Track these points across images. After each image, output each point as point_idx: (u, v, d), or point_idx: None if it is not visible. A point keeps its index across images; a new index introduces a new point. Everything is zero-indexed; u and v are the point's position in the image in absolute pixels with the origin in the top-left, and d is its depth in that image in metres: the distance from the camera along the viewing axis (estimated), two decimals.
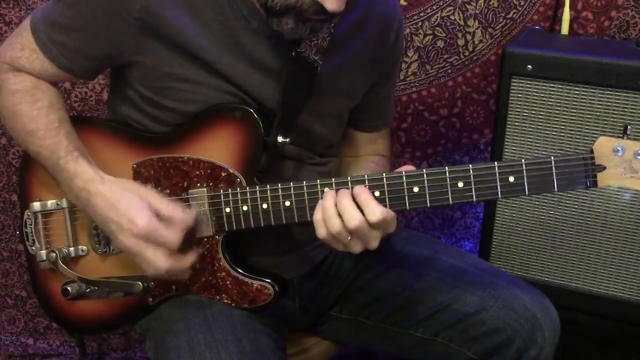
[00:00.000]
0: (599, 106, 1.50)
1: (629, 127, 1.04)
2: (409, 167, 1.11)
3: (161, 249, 1.14)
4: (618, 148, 1.03)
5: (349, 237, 1.09)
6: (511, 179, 1.06)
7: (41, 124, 1.23)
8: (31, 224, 1.32)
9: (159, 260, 1.14)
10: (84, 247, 1.31)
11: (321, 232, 1.10)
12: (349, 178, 1.11)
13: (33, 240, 1.32)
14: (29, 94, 1.24)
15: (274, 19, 1.12)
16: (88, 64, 1.24)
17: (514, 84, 1.55)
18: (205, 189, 1.20)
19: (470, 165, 1.07)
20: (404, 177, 1.09)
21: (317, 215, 1.10)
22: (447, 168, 1.08)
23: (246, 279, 1.22)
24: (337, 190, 1.10)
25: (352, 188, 1.10)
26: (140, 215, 1.13)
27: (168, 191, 1.23)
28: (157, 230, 1.13)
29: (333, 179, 1.12)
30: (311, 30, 1.13)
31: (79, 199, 1.22)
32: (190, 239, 1.22)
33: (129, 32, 1.17)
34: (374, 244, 1.11)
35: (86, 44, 1.21)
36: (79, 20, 1.19)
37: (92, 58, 1.23)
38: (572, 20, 1.75)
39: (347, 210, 1.07)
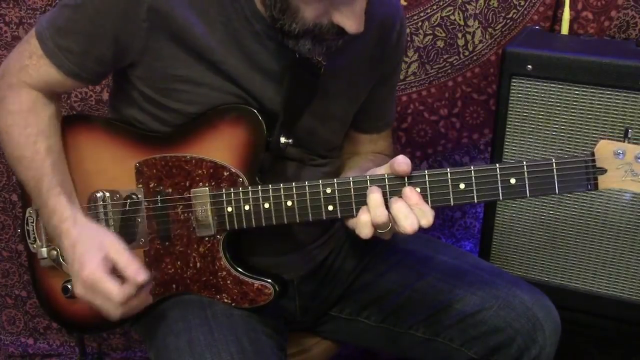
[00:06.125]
0: (599, 106, 1.50)
1: (629, 130, 1.06)
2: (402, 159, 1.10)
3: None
4: (619, 151, 1.03)
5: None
6: (512, 180, 1.06)
7: (27, 152, 1.22)
8: (32, 222, 1.33)
9: (108, 307, 1.13)
10: None
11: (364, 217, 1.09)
12: (350, 179, 1.11)
13: (34, 238, 1.32)
14: (22, 117, 1.23)
15: (290, 41, 1.12)
16: (96, 68, 1.23)
17: (514, 84, 1.55)
18: (207, 188, 1.20)
19: (472, 167, 1.07)
20: (406, 178, 1.09)
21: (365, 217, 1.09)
22: (448, 169, 1.08)
23: (247, 279, 1.22)
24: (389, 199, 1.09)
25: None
26: (88, 263, 1.13)
27: (170, 190, 1.23)
28: (101, 280, 1.11)
29: (335, 180, 1.12)
30: (327, 47, 1.13)
31: (54, 236, 1.23)
32: (190, 239, 1.23)
33: (137, 34, 1.16)
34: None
35: (94, 47, 1.19)
36: (86, 23, 1.18)
37: (100, 61, 1.21)
38: (572, 20, 1.75)
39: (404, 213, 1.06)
